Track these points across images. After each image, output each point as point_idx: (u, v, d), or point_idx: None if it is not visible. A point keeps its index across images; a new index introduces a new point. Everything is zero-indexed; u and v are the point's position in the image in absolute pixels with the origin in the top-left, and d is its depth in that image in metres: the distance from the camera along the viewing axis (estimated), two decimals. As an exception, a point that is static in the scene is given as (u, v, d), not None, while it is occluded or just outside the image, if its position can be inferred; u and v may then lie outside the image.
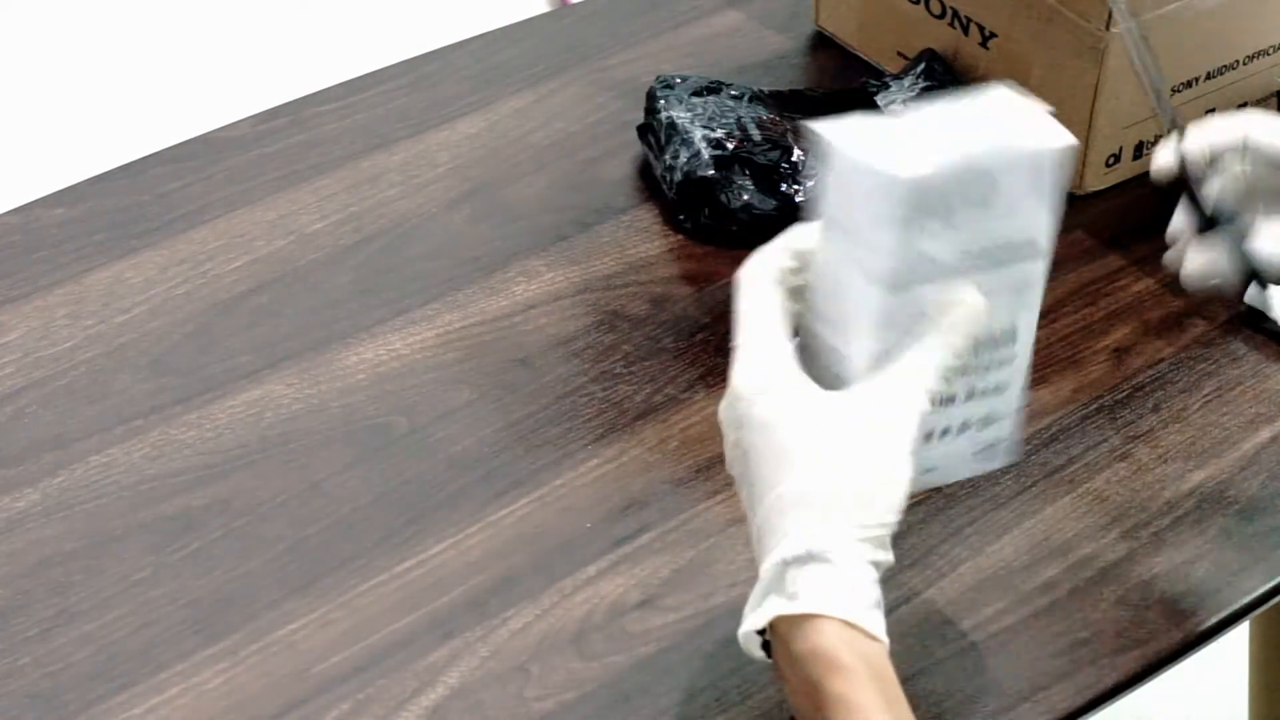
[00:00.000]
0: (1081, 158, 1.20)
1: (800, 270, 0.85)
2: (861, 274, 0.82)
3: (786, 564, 0.81)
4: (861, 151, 0.80)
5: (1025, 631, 0.97)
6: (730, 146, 1.17)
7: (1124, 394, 1.09)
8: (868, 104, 1.22)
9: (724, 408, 0.85)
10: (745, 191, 1.16)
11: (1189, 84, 1.21)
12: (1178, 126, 0.91)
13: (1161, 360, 1.11)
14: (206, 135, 1.25)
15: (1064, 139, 0.83)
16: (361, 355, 1.10)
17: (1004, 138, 0.82)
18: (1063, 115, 1.21)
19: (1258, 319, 1.13)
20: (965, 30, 1.25)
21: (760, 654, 0.84)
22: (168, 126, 1.53)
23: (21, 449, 1.04)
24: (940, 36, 1.26)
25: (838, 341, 0.84)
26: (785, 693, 0.83)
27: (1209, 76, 1.21)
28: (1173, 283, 1.16)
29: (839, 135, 0.81)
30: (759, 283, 0.85)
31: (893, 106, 1.22)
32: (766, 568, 0.82)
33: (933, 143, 0.81)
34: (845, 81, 1.28)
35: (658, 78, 1.23)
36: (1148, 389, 1.10)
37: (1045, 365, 1.10)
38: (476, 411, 1.07)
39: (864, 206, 0.81)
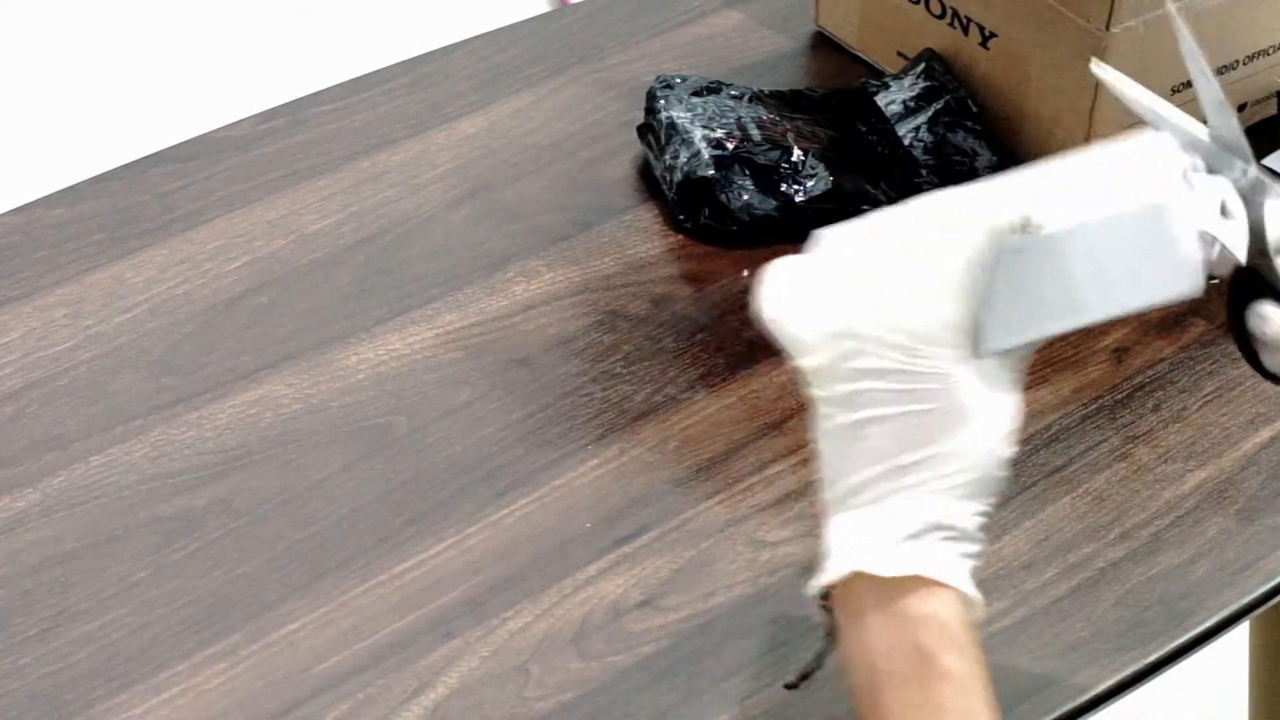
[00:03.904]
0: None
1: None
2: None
3: (941, 527, 0.79)
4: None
5: (1025, 631, 0.97)
6: (730, 146, 1.17)
7: (1124, 394, 1.09)
8: (868, 104, 1.22)
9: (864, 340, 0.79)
10: (745, 191, 1.16)
11: (1189, 84, 1.21)
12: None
13: (1161, 360, 1.11)
14: (206, 135, 1.25)
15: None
16: (361, 355, 1.10)
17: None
18: (1063, 115, 1.21)
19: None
20: (965, 30, 1.25)
21: (819, 581, 0.81)
22: (168, 126, 1.53)
23: (21, 449, 1.04)
24: (940, 36, 1.26)
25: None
26: (848, 642, 0.80)
27: (1209, 76, 1.21)
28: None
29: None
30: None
31: (892, 107, 1.22)
32: (913, 520, 0.79)
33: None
34: (845, 81, 1.28)
35: (658, 78, 1.23)
36: (1148, 389, 1.10)
37: (1045, 365, 1.10)
38: (476, 411, 1.07)
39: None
